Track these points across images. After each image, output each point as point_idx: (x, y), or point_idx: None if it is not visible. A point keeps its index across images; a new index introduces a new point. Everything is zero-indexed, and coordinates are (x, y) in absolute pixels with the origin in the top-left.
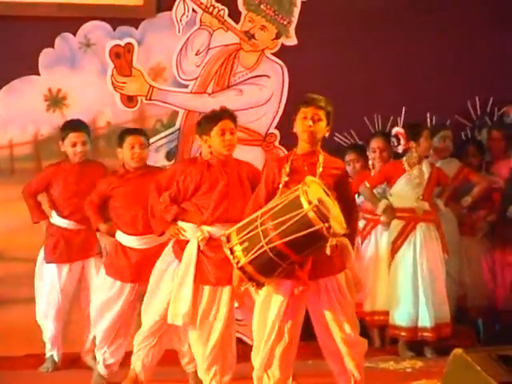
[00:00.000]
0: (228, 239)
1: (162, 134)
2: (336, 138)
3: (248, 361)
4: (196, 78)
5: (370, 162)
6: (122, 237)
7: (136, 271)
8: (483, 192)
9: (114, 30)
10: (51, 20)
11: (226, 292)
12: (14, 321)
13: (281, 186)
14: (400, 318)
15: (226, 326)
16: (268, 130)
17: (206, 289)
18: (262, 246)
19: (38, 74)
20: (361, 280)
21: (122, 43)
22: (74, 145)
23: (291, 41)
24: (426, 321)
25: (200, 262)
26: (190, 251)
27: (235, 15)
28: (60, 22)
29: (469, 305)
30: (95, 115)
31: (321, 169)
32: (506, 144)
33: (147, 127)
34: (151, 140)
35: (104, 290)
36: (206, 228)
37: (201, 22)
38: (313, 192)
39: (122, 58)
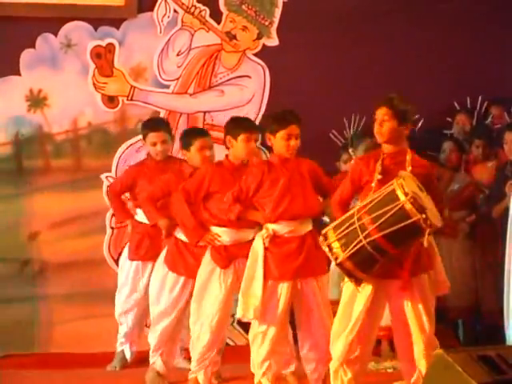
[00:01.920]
0: (325, 237)
1: None
2: (331, 136)
3: (236, 362)
4: (177, 79)
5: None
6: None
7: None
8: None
9: (96, 30)
10: (32, 20)
11: (285, 287)
12: None
13: (373, 184)
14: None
15: (283, 322)
16: None
17: (270, 284)
18: (361, 241)
19: (19, 74)
20: (447, 280)
21: (104, 43)
22: (155, 144)
23: (272, 41)
24: None
25: (265, 257)
26: (257, 248)
27: (216, 16)
28: (41, 23)
29: (449, 305)
30: (76, 115)
31: (410, 167)
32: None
33: (128, 128)
34: (132, 140)
35: (167, 287)
36: (270, 226)
37: (182, 22)
38: (408, 185)
39: (103, 58)
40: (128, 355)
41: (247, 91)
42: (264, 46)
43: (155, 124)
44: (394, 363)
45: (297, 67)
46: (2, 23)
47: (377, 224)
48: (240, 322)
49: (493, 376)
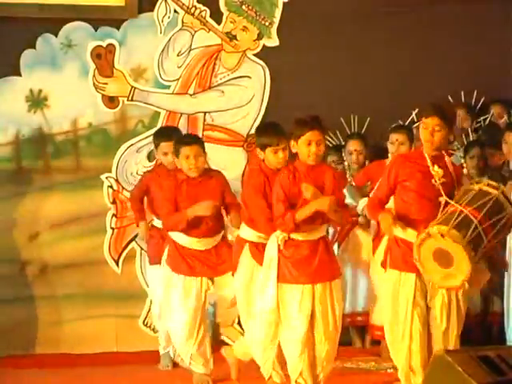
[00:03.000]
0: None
1: (143, 135)
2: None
3: None
4: (178, 79)
5: (346, 164)
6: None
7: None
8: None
9: (96, 30)
10: (33, 21)
11: (306, 291)
12: None
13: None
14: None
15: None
16: (249, 130)
17: (284, 287)
18: (476, 227)
19: (20, 74)
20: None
21: (104, 44)
22: (166, 154)
23: (273, 42)
24: None
25: (279, 261)
26: (272, 251)
27: (217, 16)
28: (41, 23)
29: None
30: (76, 116)
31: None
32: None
33: (128, 128)
34: (132, 141)
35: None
36: None
37: (182, 22)
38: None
39: (103, 58)
40: (173, 356)
41: (247, 91)
42: (264, 46)
43: (167, 134)
44: (394, 363)
45: (297, 67)
46: (2, 23)
47: (483, 212)
48: (239, 322)
49: (493, 376)
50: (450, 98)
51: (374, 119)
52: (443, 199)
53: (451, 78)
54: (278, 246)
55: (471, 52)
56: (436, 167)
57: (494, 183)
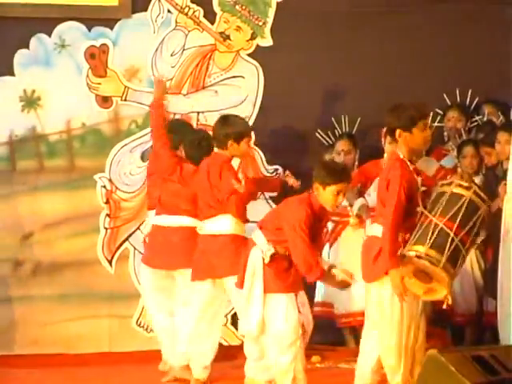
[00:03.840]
0: (417, 252)
1: (137, 135)
2: (318, 136)
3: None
4: (171, 79)
5: None
6: None
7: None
8: None
9: (89, 30)
10: (26, 21)
11: (289, 299)
12: None
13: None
14: None
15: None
16: None
17: (269, 296)
18: (453, 240)
19: (13, 74)
20: None
21: (97, 44)
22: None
23: (266, 41)
24: None
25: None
26: (256, 261)
27: (210, 16)
28: (35, 23)
29: (459, 311)
30: (70, 116)
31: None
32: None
33: (122, 128)
34: (126, 141)
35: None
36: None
37: (176, 22)
38: None
39: (97, 58)
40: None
41: (241, 91)
42: (258, 46)
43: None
44: None
45: (290, 67)
46: None
47: (457, 222)
48: (233, 322)
49: (486, 376)
50: (445, 97)
51: (367, 119)
52: (420, 209)
53: (446, 78)
54: (263, 259)
55: (467, 52)
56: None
57: (465, 183)
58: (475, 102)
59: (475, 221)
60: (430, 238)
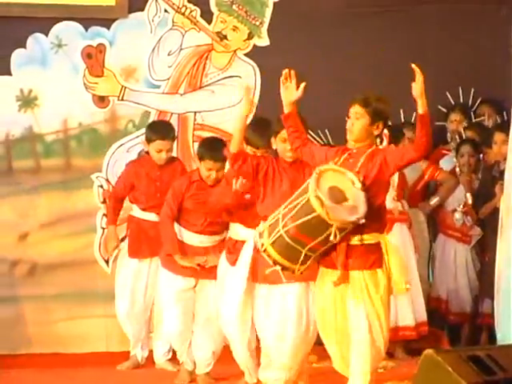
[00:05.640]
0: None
1: (134, 135)
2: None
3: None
4: (168, 79)
5: None
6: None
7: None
8: (450, 191)
9: (86, 30)
10: (23, 20)
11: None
12: None
13: None
14: None
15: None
16: None
17: (258, 287)
18: (279, 230)
19: (10, 74)
20: (402, 282)
21: (94, 43)
22: (160, 151)
23: (263, 41)
24: (408, 319)
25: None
26: (248, 251)
27: (207, 16)
28: (32, 23)
29: (452, 310)
30: (67, 115)
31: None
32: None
33: (119, 128)
34: (123, 141)
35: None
36: None
37: (173, 22)
38: (327, 180)
39: (93, 58)
40: (140, 359)
41: (238, 91)
42: (255, 46)
43: (164, 133)
44: (384, 363)
45: (287, 67)
46: None
47: (291, 214)
48: None
49: (482, 376)
50: (449, 96)
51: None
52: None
53: (447, 78)
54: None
55: (467, 52)
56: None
57: (314, 183)
58: (478, 103)
59: (309, 220)
60: (270, 220)
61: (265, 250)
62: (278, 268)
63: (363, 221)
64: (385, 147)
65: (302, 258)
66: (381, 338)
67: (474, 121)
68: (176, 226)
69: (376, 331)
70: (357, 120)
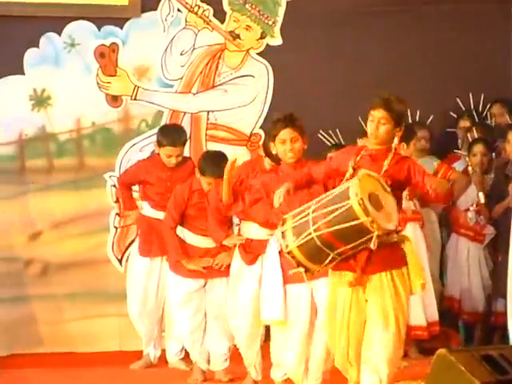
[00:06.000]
0: (283, 223)
1: (147, 134)
2: (320, 136)
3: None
4: (181, 78)
5: None
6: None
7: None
8: (462, 190)
9: (99, 29)
10: (36, 19)
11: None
12: None
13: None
14: None
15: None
16: (253, 129)
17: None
18: (310, 233)
19: (23, 73)
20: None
21: (107, 43)
22: (169, 156)
23: (276, 41)
24: (420, 319)
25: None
26: (272, 252)
27: (220, 15)
28: (45, 22)
29: (465, 310)
30: (80, 115)
31: (386, 166)
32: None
33: (132, 127)
34: (135, 140)
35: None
36: None
37: (186, 21)
38: (366, 186)
39: (106, 57)
40: (153, 358)
41: (250, 91)
42: (267, 45)
43: (175, 139)
44: None
45: (300, 66)
46: (5, 22)
47: (327, 219)
48: None
49: (495, 376)
50: (458, 100)
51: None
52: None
53: (460, 80)
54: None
55: (475, 53)
56: (354, 159)
57: (357, 190)
58: (480, 104)
59: (348, 227)
60: (296, 221)
61: (289, 252)
62: (302, 270)
63: (400, 228)
64: (412, 159)
65: (327, 261)
66: (397, 335)
67: (481, 121)
68: (180, 228)
69: (394, 329)
70: (382, 125)
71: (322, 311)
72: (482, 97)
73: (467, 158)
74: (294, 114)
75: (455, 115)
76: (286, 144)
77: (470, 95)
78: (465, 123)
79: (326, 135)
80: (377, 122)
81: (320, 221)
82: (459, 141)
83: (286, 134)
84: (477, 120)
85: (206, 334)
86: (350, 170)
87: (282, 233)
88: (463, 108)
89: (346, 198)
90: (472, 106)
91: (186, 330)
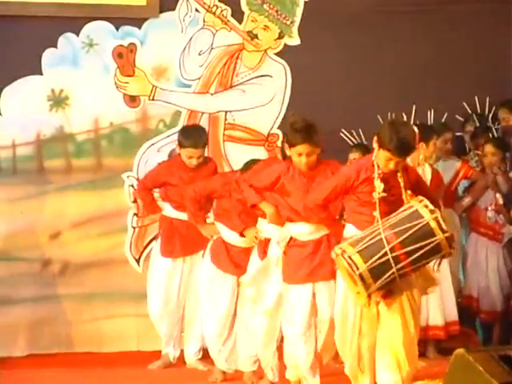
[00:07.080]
0: (343, 250)
1: (165, 135)
2: (342, 135)
3: None
4: (199, 78)
5: None
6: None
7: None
8: (483, 190)
9: (117, 29)
10: (54, 20)
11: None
12: (16, 320)
13: (377, 194)
14: None
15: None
16: (270, 130)
17: (286, 287)
18: (386, 254)
19: (41, 73)
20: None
21: (125, 43)
22: (190, 158)
23: (294, 41)
24: (437, 319)
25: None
26: (275, 252)
27: (238, 15)
28: (63, 22)
29: (483, 309)
30: (98, 115)
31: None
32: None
33: (150, 127)
34: (153, 140)
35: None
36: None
37: (204, 21)
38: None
39: (124, 57)
40: (171, 358)
41: (268, 91)
42: (285, 45)
43: (196, 139)
44: None
45: (318, 66)
46: (23, 22)
47: (401, 239)
48: None
49: None
50: (465, 105)
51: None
52: (376, 214)
53: (471, 83)
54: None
55: (481, 55)
56: (379, 175)
57: (431, 206)
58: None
59: (423, 245)
60: (364, 244)
61: (360, 274)
62: (364, 295)
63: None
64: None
65: (387, 280)
66: (415, 334)
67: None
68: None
69: (409, 330)
70: (402, 162)
71: (323, 311)
72: (488, 100)
73: (474, 161)
74: (312, 122)
75: (462, 119)
76: (302, 157)
77: (476, 98)
78: (471, 127)
79: (348, 134)
80: (395, 164)
81: (393, 241)
82: (466, 145)
83: (303, 148)
84: (485, 124)
85: (233, 335)
86: (380, 190)
87: (350, 257)
88: (469, 111)
89: (412, 219)
90: (478, 110)
91: (212, 332)
